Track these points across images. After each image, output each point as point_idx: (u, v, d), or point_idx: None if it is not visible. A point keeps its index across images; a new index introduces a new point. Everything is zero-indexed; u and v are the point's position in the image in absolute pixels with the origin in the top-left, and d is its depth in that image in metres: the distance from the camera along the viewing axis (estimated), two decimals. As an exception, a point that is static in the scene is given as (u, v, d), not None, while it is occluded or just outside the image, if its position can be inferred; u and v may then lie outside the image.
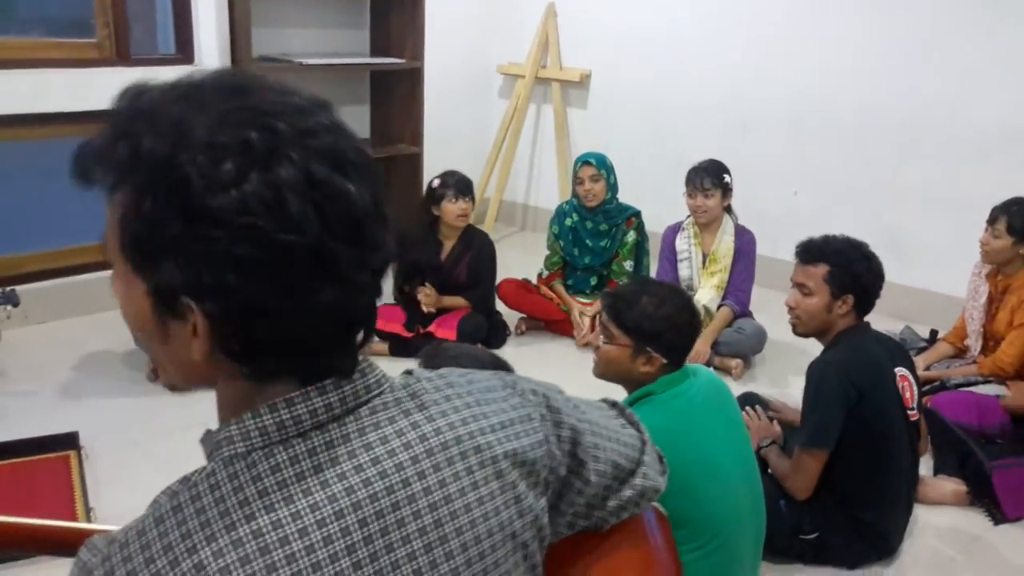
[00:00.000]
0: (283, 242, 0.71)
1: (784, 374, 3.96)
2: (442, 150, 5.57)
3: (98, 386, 3.69)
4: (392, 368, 3.33)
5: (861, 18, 4.62)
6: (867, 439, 2.49)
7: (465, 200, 4.03)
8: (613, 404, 1.14)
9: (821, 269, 2.59)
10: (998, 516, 2.90)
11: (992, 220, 3.53)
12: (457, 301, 4.11)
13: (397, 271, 4.23)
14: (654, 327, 2.14)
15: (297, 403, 0.78)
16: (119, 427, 3.32)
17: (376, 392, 0.84)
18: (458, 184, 4.04)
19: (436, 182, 4.12)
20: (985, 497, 2.94)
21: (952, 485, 2.99)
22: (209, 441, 0.82)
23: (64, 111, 4.21)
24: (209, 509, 0.75)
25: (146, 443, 3.23)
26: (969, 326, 3.77)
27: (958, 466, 3.03)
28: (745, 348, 3.99)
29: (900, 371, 2.60)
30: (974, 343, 3.72)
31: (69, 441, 3.11)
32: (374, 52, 5.62)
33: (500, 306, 4.34)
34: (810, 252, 2.64)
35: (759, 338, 4.02)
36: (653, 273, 4.44)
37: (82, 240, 4.51)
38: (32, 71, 4.06)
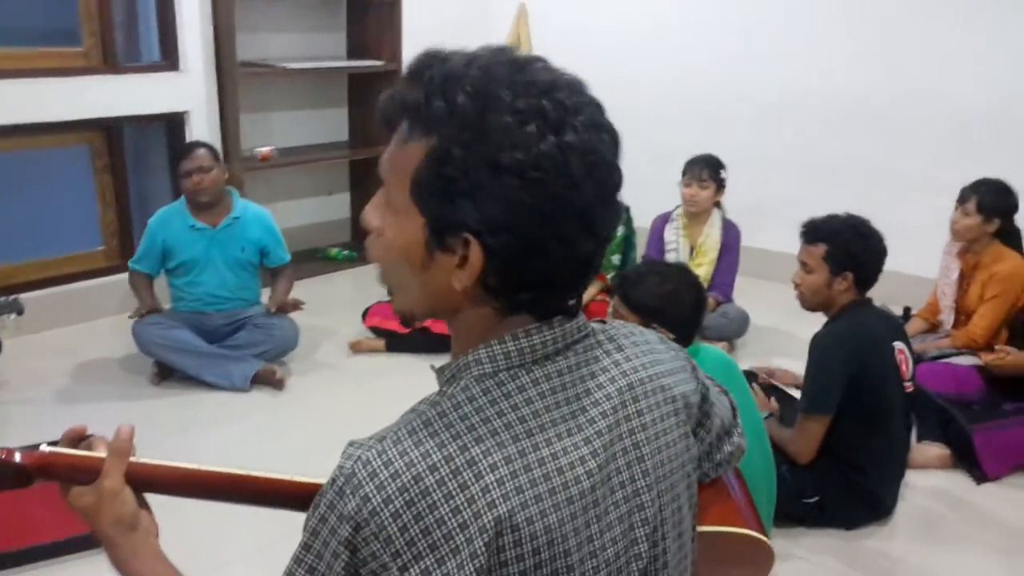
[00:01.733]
0: (563, 196, 0.85)
1: (766, 355, 4.13)
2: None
3: (99, 392, 3.74)
4: (389, 363, 3.53)
5: (839, 7, 4.82)
6: (866, 407, 2.66)
7: None
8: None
9: (820, 248, 2.75)
10: (979, 476, 3.09)
11: (962, 200, 3.73)
12: None
13: None
14: (659, 304, 2.28)
15: (534, 334, 0.91)
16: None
17: (585, 332, 0.96)
18: None
19: None
20: (967, 459, 3.13)
21: (936, 450, 3.18)
22: (444, 372, 0.96)
23: (56, 120, 4.26)
24: (471, 416, 0.88)
25: (153, 445, 3.24)
26: (942, 302, 3.97)
27: (941, 432, 3.22)
28: (729, 332, 4.17)
29: (898, 345, 2.78)
30: (947, 318, 3.92)
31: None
32: (351, 54, 5.71)
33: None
34: (810, 232, 2.80)
35: (742, 322, 4.20)
36: (638, 263, 4.59)
37: (74, 248, 4.55)
38: (22, 80, 4.10)
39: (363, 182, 5.90)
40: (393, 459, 0.85)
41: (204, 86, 4.72)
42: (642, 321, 2.31)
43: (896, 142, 4.76)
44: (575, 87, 0.89)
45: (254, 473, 1.19)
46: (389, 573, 0.83)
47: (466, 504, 0.83)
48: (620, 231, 4.46)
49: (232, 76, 4.74)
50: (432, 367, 1.01)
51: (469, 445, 0.86)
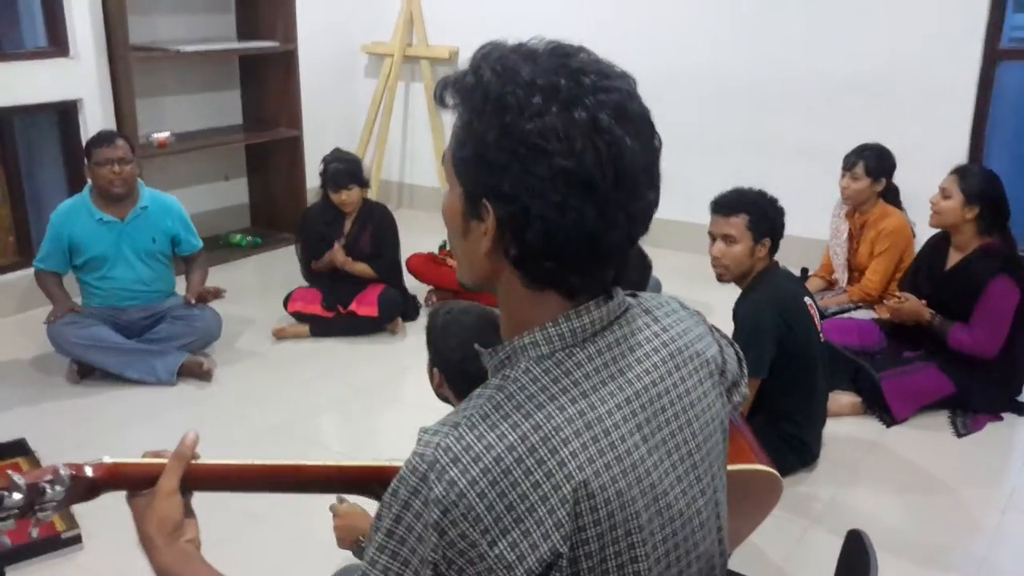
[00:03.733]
0: (562, 167, 0.89)
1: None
2: (315, 132, 5.62)
3: (15, 395, 3.61)
4: (314, 348, 3.63)
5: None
6: (794, 363, 2.85)
7: (347, 191, 4.09)
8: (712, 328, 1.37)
9: (742, 219, 2.91)
10: (888, 420, 3.36)
11: (850, 165, 4.00)
12: (364, 268, 4.18)
13: (303, 249, 4.30)
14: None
15: (582, 315, 0.98)
16: (57, 431, 3.28)
17: (625, 308, 1.03)
18: (335, 176, 4.09)
19: (321, 167, 4.18)
20: (876, 405, 3.39)
21: (848, 398, 3.44)
22: (497, 353, 1.02)
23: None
24: (537, 395, 0.94)
25: (94, 442, 3.20)
26: (834, 261, 4.26)
27: (850, 381, 3.48)
28: (645, 298, 4.34)
29: (808, 301, 2.98)
30: (841, 275, 4.21)
31: (18, 448, 3.07)
32: (241, 36, 5.59)
33: (407, 280, 4.49)
34: (729, 205, 2.95)
35: (656, 289, 4.37)
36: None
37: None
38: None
39: (260, 166, 5.81)
40: (472, 443, 0.91)
41: (96, 72, 4.56)
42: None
43: (772, 114, 5.01)
44: (607, 75, 0.95)
45: (298, 463, 1.24)
46: (479, 549, 0.88)
47: (545, 478, 0.90)
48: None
49: (125, 61, 4.59)
50: (477, 347, 1.07)
51: (541, 423, 0.92)
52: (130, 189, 3.70)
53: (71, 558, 2.62)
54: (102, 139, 3.67)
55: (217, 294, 3.82)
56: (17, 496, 1.04)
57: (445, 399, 2.20)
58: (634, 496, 0.96)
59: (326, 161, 4.17)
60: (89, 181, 3.71)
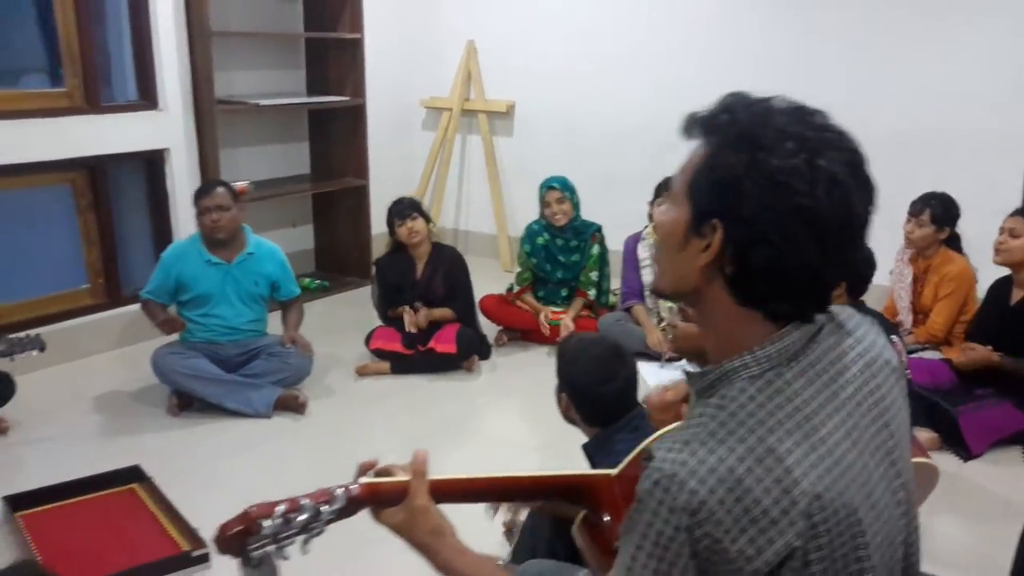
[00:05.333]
0: (800, 204, 1.02)
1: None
2: (376, 182, 5.84)
3: (118, 425, 3.77)
4: (396, 385, 3.82)
5: (776, 38, 5.25)
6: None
7: (412, 219, 4.31)
8: None
9: None
10: (964, 455, 3.47)
11: (916, 212, 4.15)
12: (444, 312, 4.37)
13: (379, 296, 4.48)
14: None
15: (784, 337, 1.08)
16: (162, 460, 3.38)
17: (820, 324, 1.12)
18: (400, 209, 4.34)
19: (388, 210, 4.42)
20: (953, 440, 3.50)
21: (925, 434, 3.55)
22: (704, 376, 1.12)
23: (41, 160, 4.26)
24: (756, 413, 1.05)
25: (198, 470, 3.33)
26: (899, 304, 4.39)
27: (926, 418, 3.59)
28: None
29: (894, 339, 3.11)
30: (905, 318, 4.34)
31: (134, 474, 3.21)
32: (310, 91, 5.84)
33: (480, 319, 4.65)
34: None
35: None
36: (616, 281, 4.87)
37: (62, 287, 4.53)
38: (8, 122, 4.09)
39: (325, 213, 6.02)
40: (705, 458, 1.02)
41: (183, 123, 4.78)
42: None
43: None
44: (847, 137, 1.08)
45: (519, 474, 1.41)
46: (722, 545, 1.00)
47: (774, 484, 1.01)
48: (596, 250, 4.73)
49: (211, 114, 4.82)
50: (684, 371, 1.21)
51: (764, 437, 1.03)
52: (231, 234, 3.91)
53: (198, 578, 2.74)
54: (203, 189, 3.94)
55: (308, 348, 4.03)
56: (303, 517, 1.19)
57: (572, 421, 2.35)
58: (853, 495, 1.06)
59: (391, 204, 4.40)
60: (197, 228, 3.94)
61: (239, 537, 1.16)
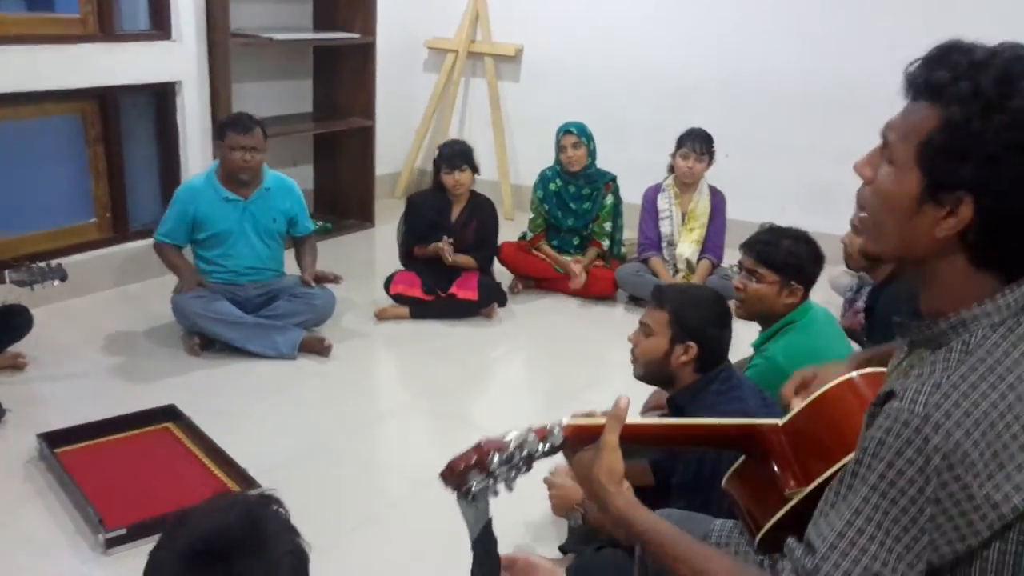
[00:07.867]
0: None
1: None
2: (377, 123, 5.73)
3: (139, 365, 3.71)
4: (416, 329, 3.84)
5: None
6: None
7: (460, 171, 4.25)
8: None
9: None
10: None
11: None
12: (468, 260, 4.32)
13: (405, 232, 4.42)
14: (798, 262, 2.58)
15: (1015, 289, 1.08)
16: (191, 400, 3.31)
17: None
18: (451, 158, 4.25)
19: (437, 151, 4.35)
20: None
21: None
22: (930, 327, 1.12)
23: (53, 89, 4.14)
24: (1003, 359, 1.06)
25: (229, 411, 3.30)
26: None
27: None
28: (729, 293, 4.50)
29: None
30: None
31: (168, 414, 3.18)
32: (317, 27, 5.71)
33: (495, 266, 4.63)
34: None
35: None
36: (629, 233, 4.88)
37: (69, 220, 4.43)
38: (20, 47, 3.95)
39: (327, 153, 5.92)
40: (959, 400, 1.03)
41: (196, 56, 4.65)
42: (780, 279, 2.59)
43: (836, 118, 5.14)
44: None
45: (695, 421, 1.48)
46: (969, 491, 1.02)
47: (1022, 430, 1.03)
48: (610, 200, 4.71)
49: (224, 46, 4.69)
50: (895, 320, 1.19)
51: (1015, 384, 1.04)
52: (256, 176, 3.82)
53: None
54: (239, 124, 3.73)
55: (336, 279, 3.91)
56: (526, 452, 1.24)
57: (665, 378, 2.27)
58: None
59: (442, 146, 4.32)
60: (216, 160, 3.81)
61: (467, 471, 1.17)
